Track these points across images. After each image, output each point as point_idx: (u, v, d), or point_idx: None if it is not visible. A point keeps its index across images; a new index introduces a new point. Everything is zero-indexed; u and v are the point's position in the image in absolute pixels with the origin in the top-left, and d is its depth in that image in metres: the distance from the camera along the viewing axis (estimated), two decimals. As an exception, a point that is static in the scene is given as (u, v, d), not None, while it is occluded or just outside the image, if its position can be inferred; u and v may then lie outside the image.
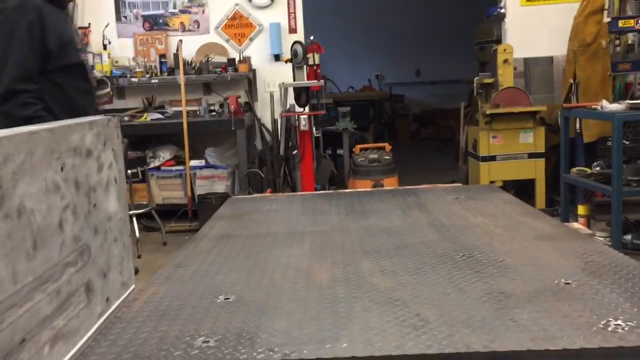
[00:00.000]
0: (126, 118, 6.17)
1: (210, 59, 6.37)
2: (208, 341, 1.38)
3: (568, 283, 1.63)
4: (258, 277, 1.83)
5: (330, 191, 3.45)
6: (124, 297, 1.66)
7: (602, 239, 3.90)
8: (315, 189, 5.59)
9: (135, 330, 1.47)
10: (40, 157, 1.25)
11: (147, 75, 6.33)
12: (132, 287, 1.73)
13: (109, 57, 6.39)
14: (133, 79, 6.31)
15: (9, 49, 2.47)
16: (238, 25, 6.59)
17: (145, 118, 6.23)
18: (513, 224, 2.35)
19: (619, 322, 1.36)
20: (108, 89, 6.28)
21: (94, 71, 3.25)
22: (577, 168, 4.10)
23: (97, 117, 1.54)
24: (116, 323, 1.52)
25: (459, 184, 3.38)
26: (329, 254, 2.06)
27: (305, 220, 2.67)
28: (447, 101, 11.69)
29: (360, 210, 2.77)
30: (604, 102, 3.76)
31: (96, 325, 1.46)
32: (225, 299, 1.65)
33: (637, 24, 5.08)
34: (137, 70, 6.35)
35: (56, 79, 2.57)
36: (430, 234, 2.27)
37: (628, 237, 3.67)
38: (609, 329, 1.33)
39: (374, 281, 1.74)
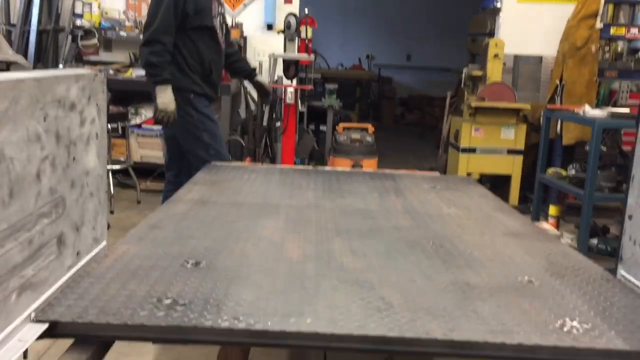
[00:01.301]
0: (111, 71, 6.08)
1: (202, 20, 6.28)
2: (175, 304, 1.40)
3: (531, 281, 1.67)
4: (230, 245, 1.85)
5: (309, 167, 3.46)
6: (95, 252, 1.66)
7: (569, 240, 3.99)
8: (295, 163, 5.60)
9: (103, 286, 1.48)
10: (25, 106, 1.24)
11: (137, 30, 6.22)
12: (104, 243, 1.74)
13: (98, 8, 6.27)
14: (122, 33, 6.21)
15: (157, 11, 3.22)
16: (233, -10, 6.49)
17: (131, 73, 6.15)
18: (485, 218, 2.40)
19: (575, 323, 1.41)
20: (95, 40, 6.21)
21: (221, 33, 3.58)
22: (553, 169, 4.17)
23: (83, 71, 1.52)
24: (85, 277, 1.53)
25: (437, 173, 3.41)
26: (302, 230, 2.08)
27: (282, 193, 2.68)
28: (435, 88, 11.72)
29: (338, 189, 2.80)
30: (587, 107, 3.81)
31: (65, 278, 1.47)
32: (195, 263, 1.67)
33: (628, 32, 5.14)
34: (127, 24, 6.24)
35: (191, 36, 3.32)
36: (404, 219, 2.30)
37: (594, 241, 3.76)
38: (565, 328, 1.38)
39: (343, 261, 1.77)
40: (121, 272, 1.57)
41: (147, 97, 6.28)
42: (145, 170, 6.01)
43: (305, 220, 2.22)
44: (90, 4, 6.24)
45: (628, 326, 1.41)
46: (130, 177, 5.62)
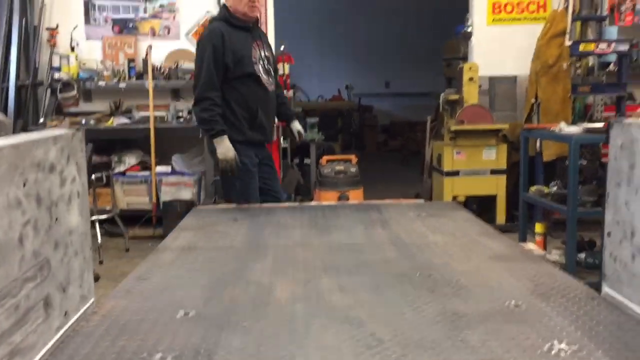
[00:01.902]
0: (92, 122, 6.11)
1: (179, 65, 6.35)
2: (166, 357, 1.40)
3: (518, 305, 1.69)
4: (219, 292, 1.86)
5: (296, 203, 3.49)
6: (83, 310, 1.66)
7: (557, 257, 4.02)
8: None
9: (93, 344, 1.48)
10: (3, 173, 1.25)
11: (115, 79, 6.27)
12: (92, 300, 1.73)
13: (76, 59, 6.31)
14: (100, 82, 6.25)
15: (200, 70, 3.38)
16: (209, 33, 6.58)
17: (112, 122, 6.17)
18: (470, 243, 2.42)
19: (563, 345, 1.42)
20: (74, 92, 6.25)
21: (267, 77, 3.59)
22: (535, 187, 4.23)
23: (61, 131, 1.55)
24: (74, 337, 1.53)
25: (422, 200, 3.45)
26: (290, 270, 2.09)
27: (269, 233, 2.70)
28: (416, 113, 11.84)
29: (324, 225, 2.82)
30: (562, 125, 3.88)
31: (54, 340, 1.47)
32: (185, 314, 1.67)
33: (597, 47, 5.25)
34: (105, 73, 6.29)
35: (235, 85, 3.41)
36: (391, 251, 2.32)
37: (582, 255, 3.80)
38: (553, 352, 1.40)
39: (332, 299, 1.78)
40: (110, 329, 1.57)
41: (130, 145, 6.36)
42: (132, 218, 6.00)
43: (293, 260, 2.23)
44: (68, 57, 6.29)
45: (614, 344, 1.43)
46: (117, 225, 5.60)
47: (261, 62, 3.49)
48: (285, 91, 5.39)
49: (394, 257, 2.24)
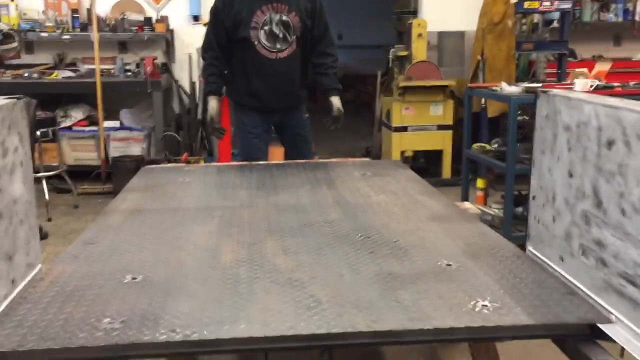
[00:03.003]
0: (35, 75, 5.92)
1: (126, 16, 6.18)
2: (113, 322, 1.46)
3: (449, 265, 1.81)
4: (165, 256, 1.91)
5: (244, 162, 3.52)
6: (30, 277, 1.69)
7: (497, 210, 4.21)
8: (233, 154, 5.63)
9: (40, 311, 1.52)
10: (-58, 150, 1.26)
11: (58, 31, 6.06)
12: (39, 266, 1.77)
13: (16, 9, 6.07)
14: (43, 34, 6.04)
15: (207, 26, 3.53)
16: (155, -17, 6.40)
17: (56, 75, 6.00)
18: (411, 203, 2.53)
19: (486, 302, 1.55)
20: (15, 44, 6.02)
21: (273, 42, 3.38)
22: (477, 144, 4.38)
23: (2, 102, 1.54)
24: (22, 304, 1.57)
25: (368, 159, 3.54)
26: (235, 232, 2.16)
27: (216, 194, 2.75)
28: (368, 66, 11.83)
29: (271, 185, 2.88)
30: (503, 84, 4.00)
31: (1, 308, 1.50)
32: (132, 279, 1.72)
33: (541, 5, 5.38)
34: (48, 24, 6.07)
35: (236, 48, 3.40)
36: (335, 212, 2.41)
37: (520, 209, 3.99)
38: (477, 309, 1.52)
39: (276, 261, 1.86)
40: (58, 295, 1.61)
41: (76, 99, 6.21)
42: (81, 173, 5.93)
43: (238, 222, 2.29)
44: (7, 6, 6.03)
45: (533, 301, 1.56)
46: (65, 181, 5.54)
47: (266, 27, 3.32)
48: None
49: (337, 218, 2.32)
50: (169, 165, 3.49)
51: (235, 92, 3.59)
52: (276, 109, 3.56)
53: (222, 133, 3.60)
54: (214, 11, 3.42)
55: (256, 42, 3.35)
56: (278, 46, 3.37)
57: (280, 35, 3.36)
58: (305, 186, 2.84)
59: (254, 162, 3.41)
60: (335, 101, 3.46)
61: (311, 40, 3.46)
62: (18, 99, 1.65)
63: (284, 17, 3.34)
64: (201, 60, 3.61)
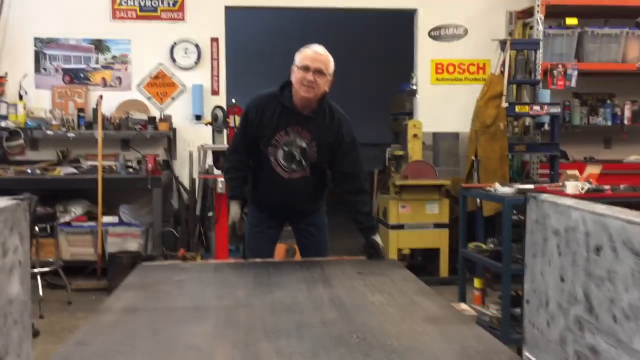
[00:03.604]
0: (38, 171, 6.04)
1: (130, 115, 6.39)
2: None
3: (445, 370, 1.79)
4: (159, 358, 1.89)
5: (241, 260, 3.54)
6: (20, 379, 1.67)
7: (494, 311, 4.17)
8: (230, 250, 5.64)
9: (28, 416, 1.49)
10: (-55, 251, 1.29)
11: (64, 129, 6.25)
12: (30, 368, 1.74)
13: (24, 108, 6.29)
14: (48, 132, 6.22)
15: (236, 130, 3.60)
16: (161, 84, 6.67)
17: (59, 172, 6.12)
18: (406, 304, 2.51)
19: (482, 411, 1.52)
20: (20, 141, 6.19)
21: (288, 164, 3.40)
22: (473, 243, 4.41)
23: (5, 203, 1.59)
24: (10, 408, 1.54)
25: (363, 258, 3.54)
26: (230, 333, 2.14)
27: (212, 293, 2.73)
28: (365, 163, 12.05)
29: (267, 284, 2.87)
30: (497, 185, 4.10)
31: (-12, 412, 1.48)
32: (123, 382, 1.69)
33: (531, 109, 5.59)
34: (54, 122, 6.26)
35: (258, 156, 3.37)
36: (330, 312, 2.39)
37: (518, 310, 3.95)
38: (473, 418, 1.49)
39: (269, 365, 1.84)
40: (47, 399, 1.59)
41: (76, 194, 6.29)
42: (76, 269, 5.91)
43: (234, 322, 2.27)
44: (16, 105, 6.26)
45: (530, 409, 1.54)
46: (60, 277, 5.50)
47: (285, 148, 3.29)
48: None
49: (333, 318, 2.31)
50: (166, 262, 3.49)
51: (250, 192, 3.55)
52: (289, 218, 3.62)
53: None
54: (245, 117, 3.37)
55: (272, 159, 3.32)
56: (293, 167, 3.34)
57: (297, 158, 3.33)
58: (301, 285, 2.84)
59: (250, 260, 3.42)
60: (378, 240, 3.41)
61: (337, 174, 3.45)
62: (22, 200, 1.70)
63: (304, 145, 3.30)
64: (223, 161, 3.69)
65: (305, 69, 3.12)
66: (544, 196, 1.80)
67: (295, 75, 3.17)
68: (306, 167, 3.36)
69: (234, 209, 3.43)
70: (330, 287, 2.81)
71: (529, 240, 1.83)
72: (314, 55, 3.16)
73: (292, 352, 1.94)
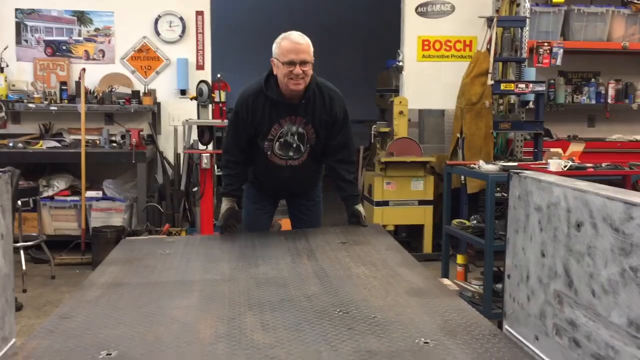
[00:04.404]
0: (20, 144, 5.97)
1: (114, 89, 6.31)
2: (86, 400, 1.44)
3: (427, 342, 1.81)
4: (143, 331, 1.89)
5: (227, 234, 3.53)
6: (3, 351, 1.67)
7: (477, 287, 4.23)
8: (215, 226, 5.63)
9: (12, 388, 1.50)
10: None
11: (46, 102, 6.16)
12: (13, 340, 1.74)
13: (5, 81, 6.18)
14: (30, 104, 6.13)
15: (227, 129, 3.56)
16: (145, 58, 6.58)
17: (41, 145, 6.05)
18: (390, 276, 2.53)
19: (463, 382, 1.55)
20: (2, 113, 6.10)
21: (285, 152, 3.39)
22: (457, 220, 4.44)
23: (-13, 175, 1.57)
24: (-7, 380, 1.54)
25: (349, 226, 3.55)
26: (215, 307, 2.15)
27: (197, 267, 2.74)
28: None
29: (252, 257, 2.88)
30: (481, 162, 4.12)
31: (-28, 384, 1.48)
32: (107, 354, 1.70)
33: (516, 87, 5.60)
34: (35, 95, 6.17)
35: (256, 149, 3.36)
36: (314, 285, 2.41)
37: (499, 285, 4.00)
38: (453, 389, 1.52)
39: (254, 337, 1.85)
40: (31, 371, 1.59)
41: (59, 168, 6.24)
42: (60, 243, 5.88)
43: (218, 296, 2.28)
44: (-4, 77, 6.15)
45: (509, 380, 1.57)
46: (43, 251, 5.47)
47: (281, 140, 3.28)
48: (220, 120, 5.39)
49: (317, 292, 2.32)
50: (150, 237, 3.48)
51: (252, 177, 3.57)
52: (287, 197, 3.68)
53: (229, 231, 3.47)
54: (236, 117, 3.33)
55: (269, 152, 3.33)
56: (290, 154, 3.33)
57: (294, 145, 3.32)
58: (286, 257, 2.85)
59: (236, 234, 3.42)
60: (360, 209, 3.47)
61: (328, 147, 3.42)
62: (3, 172, 1.68)
63: (300, 129, 3.28)
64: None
65: (291, 63, 3.07)
66: (527, 173, 1.82)
67: (281, 71, 3.10)
68: (304, 151, 3.34)
69: (222, 206, 3.45)
70: (315, 259, 2.82)
71: (512, 216, 1.85)
72: (296, 46, 3.09)
73: (276, 326, 1.96)
